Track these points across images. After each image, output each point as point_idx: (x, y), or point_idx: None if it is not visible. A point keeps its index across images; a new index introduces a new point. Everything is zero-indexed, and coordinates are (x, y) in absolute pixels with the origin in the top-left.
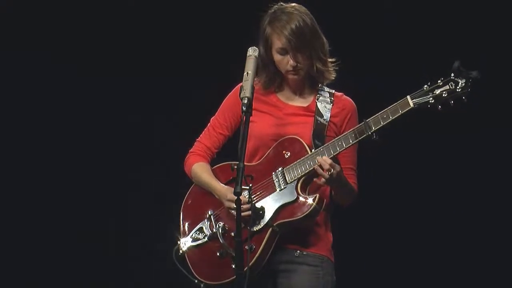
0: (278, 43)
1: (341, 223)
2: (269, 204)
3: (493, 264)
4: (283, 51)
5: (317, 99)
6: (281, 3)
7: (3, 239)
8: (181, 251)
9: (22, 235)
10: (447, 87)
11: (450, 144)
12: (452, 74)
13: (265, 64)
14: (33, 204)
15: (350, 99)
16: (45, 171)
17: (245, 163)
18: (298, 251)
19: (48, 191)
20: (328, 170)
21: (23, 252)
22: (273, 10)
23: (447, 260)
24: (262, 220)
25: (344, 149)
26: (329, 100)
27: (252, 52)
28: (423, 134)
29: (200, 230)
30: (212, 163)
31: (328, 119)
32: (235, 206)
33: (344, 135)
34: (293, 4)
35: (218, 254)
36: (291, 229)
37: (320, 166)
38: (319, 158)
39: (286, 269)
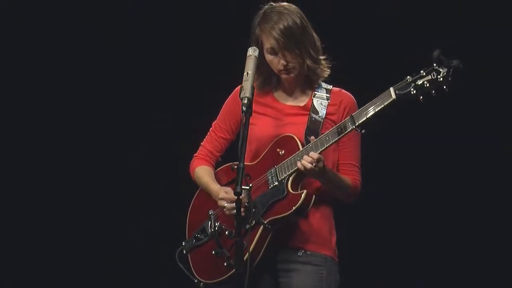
0: (267, 43)
1: (345, 222)
2: (261, 202)
3: (493, 264)
4: (273, 51)
5: (314, 97)
6: (271, 3)
7: (5, 239)
8: (185, 251)
9: (22, 236)
10: (429, 77)
11: (452, 144)
12: (434, 64)
13: (259, 65)
14: (33, 204)
15: (348, 93)
16: (45, 171)
17: (245, 163)
18: (302, 251)
19: (49, 191)
20: (311, 161)
21: (22, 252)
22: (263, 10)
23: (450, 260)
24: (254, 218)
25: (330, 144)
26: (325, 96)
27: (252, 52)
28: (425, 133)
29: (203, 230)
30: (217, 166)
31: (323, 116)
32: (225, 205)
33: (330, 130)
34: (284, 3)
35: (213, 253)
36: (284, 226)
37: (305, 159)
38: (305, 157)
39: (289, 268)
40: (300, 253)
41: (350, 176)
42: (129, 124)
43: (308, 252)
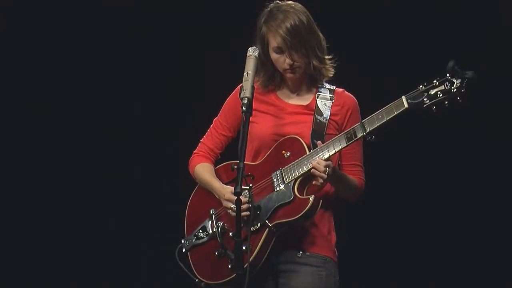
0: (273, 42)
1: (344, 223)
2: (267, 204)
3: (493, 264)
4: (279, 50)
5: (317, 97)
6: (277, 1)
7: (6, 239)
8: (184, 250)
9: (24, 236)
10: (442, 87)
11: (453, 143)
12: (448, 74)
13: (263, 63)
14: (35, 204)
15: (351, 95)
16: (45, 171)
17: (247, 163)
18: (301, 252)
19: (48, 191)
20: (324, 171)
21: (23, 252)
22: (269, 9)
23: (450, 260)
24: (259, 220)
25: (339, 150)
26: (329, 97)
27: (252, 52)
28: (425, 133)
29: (203, 229)
30: (216, 163)
31: (328, 117)
32: (231, 206)
33: (339, 136)
34: (289, 2)
35: (216, 253)
36: (289, 230)
37: (316, 168)
38: (313, 161)
39: (288, 269)
40: (299, 254)
41: (355, 176)
42: (129, 123)
43: (308, 253)
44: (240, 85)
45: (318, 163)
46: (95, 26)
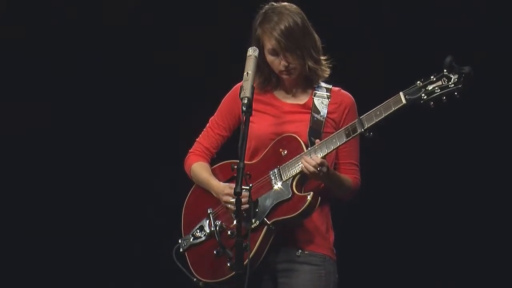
0: (268, 44)
1: (342, 222)
2: (265, 202)
3: (493, 264)
4: (274, 52)
5: (314, 96)
6: (272, 3)
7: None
8: (181, 249)
9: (24, 236)
10: (439, 82)
11: (452, 142)
12: (445, 70)
13: (259, 65)
14: (35, 204)
15: (348, 93)
16: (45, 170)
17: (245, 162)
18: (300, 251)
19: (49, 190)
20: (315, 166)
21: (23, 252)
22: (263, 11)
23: (448, 260)
24: (257, 218)
25: (338, 147)
26: (326, 95)
27: (252, 52)
28: (423, 132)
29: (201, 228)
30: (212, 163)
31: (325, 115)
32: (231, 200)
33: (338, 132)
34: (284, 3)
35: (215, 252)
36: (287, 227)
37: (305, 166)
38: (303, 160)
39: (288, 268)
40: (298, 253)
41: (351, 175)
42: (129, 123)
43: (306, 252)
44: (237, 84)
45: (307, 161)
46: (94, 25)
